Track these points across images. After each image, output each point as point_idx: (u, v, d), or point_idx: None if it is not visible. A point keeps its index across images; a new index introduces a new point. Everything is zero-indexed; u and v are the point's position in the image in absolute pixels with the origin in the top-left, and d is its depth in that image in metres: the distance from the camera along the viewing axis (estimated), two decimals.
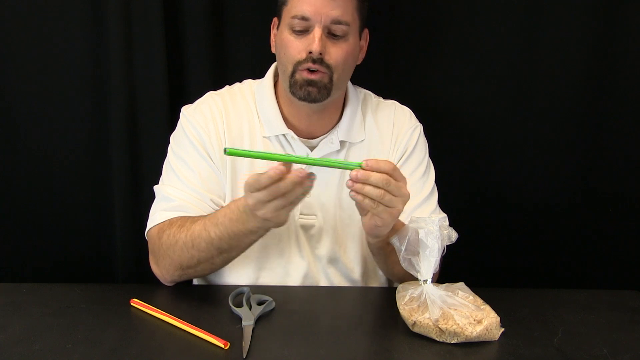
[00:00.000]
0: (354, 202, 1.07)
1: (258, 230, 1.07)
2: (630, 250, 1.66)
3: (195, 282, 1.31)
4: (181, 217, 1.17)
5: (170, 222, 1.17)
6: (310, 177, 0.97)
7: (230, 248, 1.11)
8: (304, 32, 1.16)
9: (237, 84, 1.33)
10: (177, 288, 1.17)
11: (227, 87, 1.32)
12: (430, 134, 1.34)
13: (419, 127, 1.32)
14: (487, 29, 1.55)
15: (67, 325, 1.02)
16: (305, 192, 0.99)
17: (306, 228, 1.25)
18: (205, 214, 1.17)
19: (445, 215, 1.26)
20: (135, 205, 1.55)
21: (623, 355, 0.97)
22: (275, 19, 1.25)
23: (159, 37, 1.48)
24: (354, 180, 0.97)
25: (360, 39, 1.23)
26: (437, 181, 1.32)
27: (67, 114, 1.55)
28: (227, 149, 0.93)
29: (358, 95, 1.31)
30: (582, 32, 1.53)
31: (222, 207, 1.16)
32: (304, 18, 1.14)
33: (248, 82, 1.32)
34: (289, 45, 1.17)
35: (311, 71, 1.15)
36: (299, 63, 1.16)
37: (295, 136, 1.23)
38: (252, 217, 1.02)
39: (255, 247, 1.17)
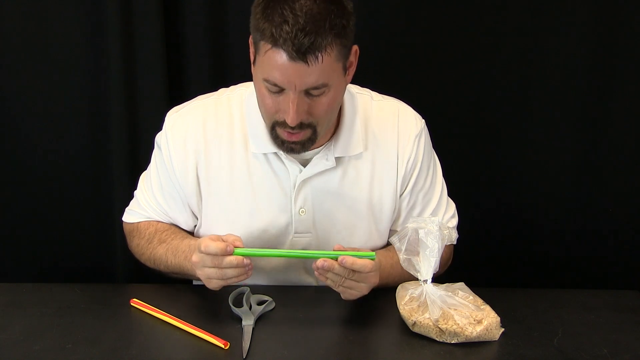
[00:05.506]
0: (348, 213, 1.16)
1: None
2: (630, 250, 1.66)
3: (195, 282, 1.31)
4: (150, 225, 1.24)
5: (139, 230, 1.25)
6: (248, 268, 1.01)
7: (183, 276, 1.19)
8: (279, 90, 1.03)
9: (229, 91, 1.22)
10: (177, 288, 1.18)
11: (219, 92, 1.23)
12: (431, 133, 1.33)
13: (423, 131, 1.23)
14: (491, 31, 1.55)
15: (67, 325, 1.02)
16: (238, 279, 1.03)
17: (302, 246, 1.21)
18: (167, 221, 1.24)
19: (454, 211, 1.28)
20: None
21: (623, 355, 0.97)
22: (251, 41, 1.05)
23: (159, 37, 1.48)
24: (316, 269, 1.00)
25: (345, 74, 1.07)
26: None
27: (67, 113, 1.55)
28: (235, 250, 0.99)
29: (355, 103, 1.20)
30: (585, 32, 1.54)
31: (188, 238, 1.19)
32: (275, 85, 1.01)
33: (239, 91, 1.21)
34: (265, 101, 1.05)
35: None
36: (277, 123, 1.06)
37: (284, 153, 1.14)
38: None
39: (271, 263, 1.22)
